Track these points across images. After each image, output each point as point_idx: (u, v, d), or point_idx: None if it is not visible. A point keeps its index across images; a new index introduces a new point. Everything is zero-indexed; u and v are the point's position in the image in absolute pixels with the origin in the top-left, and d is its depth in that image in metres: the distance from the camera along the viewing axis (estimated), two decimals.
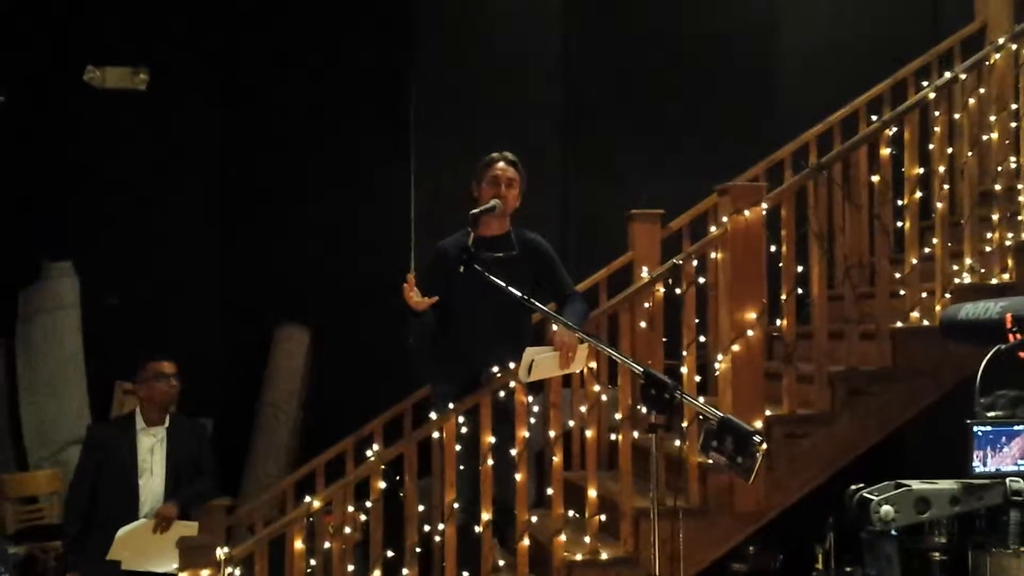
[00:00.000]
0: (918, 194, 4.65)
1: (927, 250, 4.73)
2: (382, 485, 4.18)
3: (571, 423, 4.78)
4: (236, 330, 6.85)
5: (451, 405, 4.21)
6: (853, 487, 2.66)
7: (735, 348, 4.29)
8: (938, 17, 6.56)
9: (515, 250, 4.42)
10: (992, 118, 5.00)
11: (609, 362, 4.68)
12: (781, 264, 4.51)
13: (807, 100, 6.26)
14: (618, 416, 4.38)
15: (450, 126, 6.42)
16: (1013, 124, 5.02)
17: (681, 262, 4.42)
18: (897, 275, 4.69)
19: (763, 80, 6.68)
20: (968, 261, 4.72)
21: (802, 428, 4.46)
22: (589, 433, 4.38)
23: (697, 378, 4.45)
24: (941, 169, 4.73)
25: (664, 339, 4.53)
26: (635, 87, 6.62)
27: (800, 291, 4.54)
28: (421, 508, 4.32)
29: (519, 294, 3.09)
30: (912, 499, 2.59)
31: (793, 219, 4.51)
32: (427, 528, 4.51)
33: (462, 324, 4.39)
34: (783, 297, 4.49)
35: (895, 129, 4.64)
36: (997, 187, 4.91)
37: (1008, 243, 4.78)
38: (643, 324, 4.49)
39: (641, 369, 2.77)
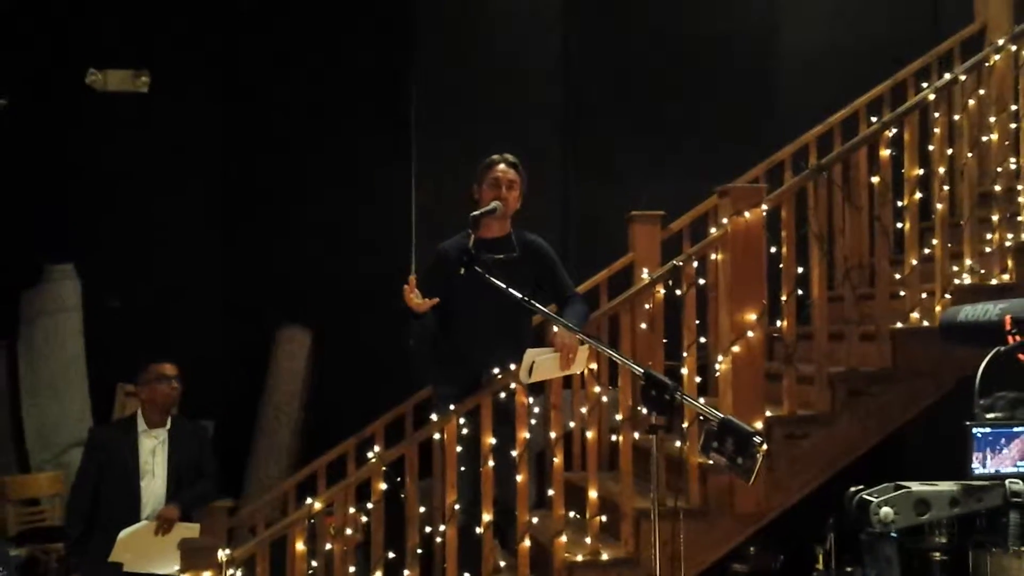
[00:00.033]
0: (918, 195, 4.65)
1: (927, 251, 4.73)
2: (383, 486, 4.19)
3: (572, 424, 4.79)
4: (237, 332, 6.85)
5: (452, 406, 4.22)
6: (853, 489, 2.66)
7: (735, 349, 4.30)
8: (938, 18, 6.56)
9: (516, 252, 4.43)
10: (992, 119, 5.00)
11: (610, 363, 4.69)
12: (781, 265, 4.51)
13: (807, 101, 6.26)
14: (619, 417, 4.39)
15: (450, 126, 6.43)
16: (1013, 125, 5.02)
17: (681, 263, 4.43)
18: (897, 276, 4.69)
19: (763, 81, 6.69)
20: (968, 262, 4.73)
21: (802, 429, 4.46)
22: (590, 434, 4.39)
23: (697, 379, 4.46)
24: (941, 170, 4.73)
25: (664, 340, 4.54)
26: (635, 87, 6.62)
27: (800, 292, 4.54)
28: (422, 509, 4.33)
29: (520, 296, 3.10)
30: (912, 501, 2.59)
31: (793, 220, 4.51)
32: (428, 529, 4.52)
33: (463, 326, 4.40)
34: (783, 298, 4.49)
35: (895, 130, 4.64)
36: (997, 188, 4.91)
37: (1008, 244, 4.78)
38: (643, 325, 4.49)
39: (641, 370, 2.78)
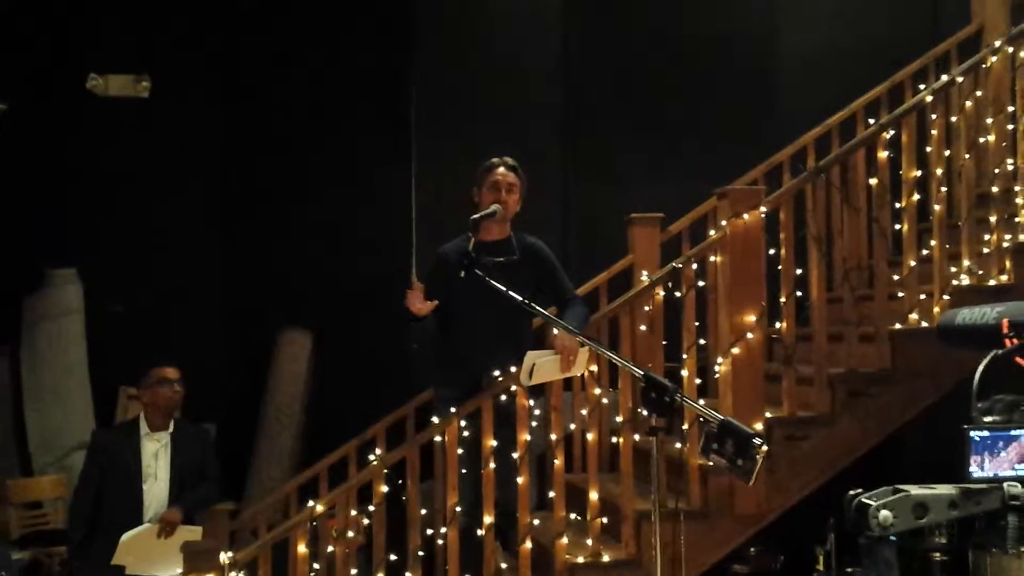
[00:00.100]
0: (916, 196, 4.66)
1: (925, 252, 4.74)
2: (385, 489, 4.20)
3: (572, 426, 4.80)
4: (239, 335, 6.85)
5: (453, 409, 4.23)
6: (851, 492, 2.67)
7: (735, 351, 4.31)
8: (937, 18, 6.57)
9: (516, 254, 4.44)
10: (989, 120, 5.01)
11: (610, 365, 4.71)
12: (780, 267, 4.53)
13: (807, 101, 6.27)
14: (619, 419, 4.40)
15: (450, 126, 6.43)
16: (1010, 126, 5.03)
17: (681, 265, 4.44)
18: (895, 277, 4.70)
19: (763, 81, 6.69)
20: (966, 263, 4.74)
21: (802, 430, 4.48)
22: (590, 436, 4.40)
23: (697, 381, 4.47)
24: (939, 171, 4.74)
25: (664, 342, 4.55)
26: (635, 87, 6.62)
27: (799, 294, 4.55)
28: (423, 512, 4.34)
29: (520, 298, 3.11)
30: (910, 504, 2.60)
31: (792, 222, 4.53)
32: (430, 531, 4.52)
33: (463, 329, 4.42)
34: (782, 300, 4.51)
35: (892, 132, 4.66)
36: (994, 189, 4.92)
37: (1006, 245, 4.79)
38: (643, 327, 4.51)
39: (641, 372, 2.79)
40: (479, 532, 4.21)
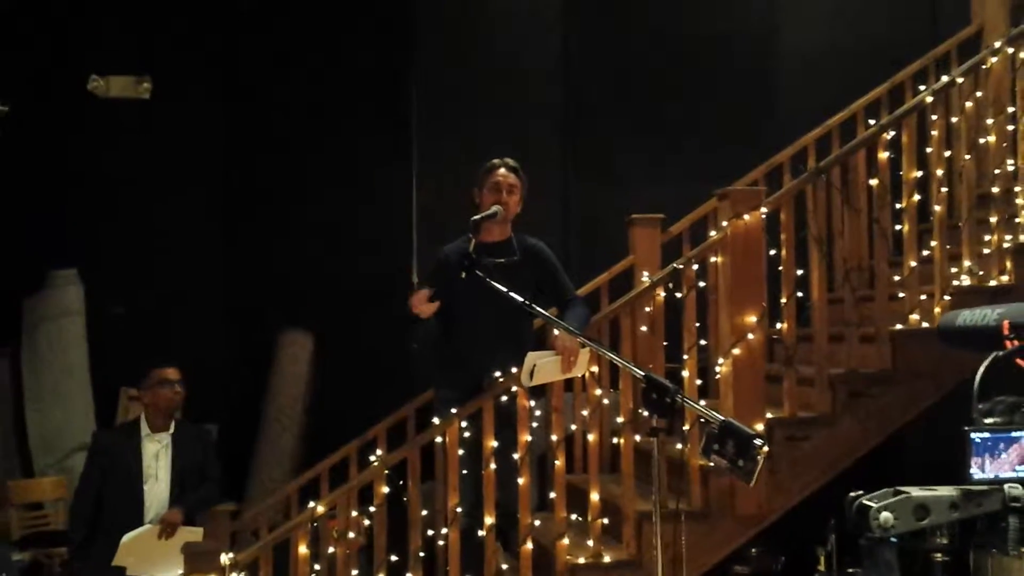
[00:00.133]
0: (916, 197, 4.66)
1: (926, 253, 4.74)
2: (386, 490, 4.20)
3: (573, 427, 4.81)
4: (240, 336, 6.86)
5: (454, 410, 4.24)
6: (852, 494, 2.68)
7: (736, 351, 4.31)
8: (937, 19, 6.57)
9: (516, 255, 4.45)
10: (989, 121, 5.01)
11: (611, 366, 4.72)
12: (781, 268, 4.53)
13: (807, 101, 6.27)
14: (620, 420, 4.41)
15: (450, 126, 6.44)
16: (1010, 127, 5.03)
17: (681, 266, 4.44)
18: (896, 278, 4.70)
19: (763, 81, 6.69)
20: (967, 263, 4.74)
21: (803, 431, 4.48)
22: (591, 437, 4.41)
23: (698, 381, 4.47)
24: (939, 172, 4.74)
25: (665, 343, 4.55)
26: (635, 87, 6.63)
27: (800, 294, 4.56)
28: (424, 512, 4.34)
29: (520, 299, 3.11)
30: (911, 506, 2.61)
31: (792, 223, 4.53)
32: (431, 532, 4.53)
33: (464, 330, 4.42)
34: (783, 300, 4.51)
35: (893, 133, 4.66)
36: (995, 190, 4.92)
37: (1006, 245, 4.79)
38: (644, 328, 4.51)
39: (642, 373, 2.79)
40: (480, 533, 4.21)
